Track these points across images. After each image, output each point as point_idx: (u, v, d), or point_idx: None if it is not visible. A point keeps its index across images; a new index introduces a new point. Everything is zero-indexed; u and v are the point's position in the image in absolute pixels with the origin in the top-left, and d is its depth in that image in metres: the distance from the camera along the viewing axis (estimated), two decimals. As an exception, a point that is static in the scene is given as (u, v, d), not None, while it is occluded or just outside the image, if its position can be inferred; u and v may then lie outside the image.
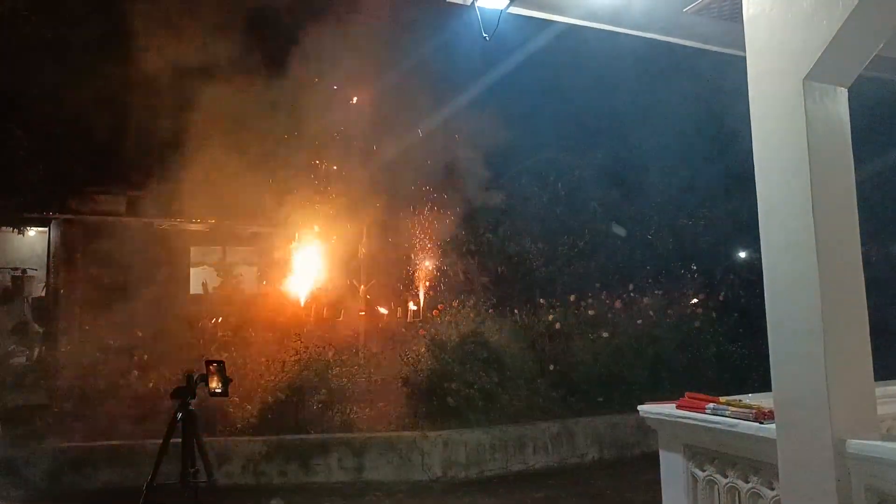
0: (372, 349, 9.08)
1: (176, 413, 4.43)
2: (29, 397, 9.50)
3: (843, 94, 2.67)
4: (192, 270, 14.84)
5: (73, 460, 7.77)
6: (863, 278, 2.61)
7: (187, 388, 4.45)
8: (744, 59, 2.86)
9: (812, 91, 2.59)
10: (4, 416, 8.85)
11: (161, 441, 4.48)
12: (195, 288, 13.39)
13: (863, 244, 2.66)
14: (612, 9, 3.48)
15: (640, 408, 3.78)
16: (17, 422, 8.72)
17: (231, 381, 4.55)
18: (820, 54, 2.54)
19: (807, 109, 2.57)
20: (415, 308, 11.92)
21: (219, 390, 4.48)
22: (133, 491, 4.82)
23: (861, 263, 2.62)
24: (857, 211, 2.63)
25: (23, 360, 11.76)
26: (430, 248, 12.56)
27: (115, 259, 11.88)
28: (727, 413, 3.19)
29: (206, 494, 4.54)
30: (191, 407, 4.45)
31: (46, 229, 14.67)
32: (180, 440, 4.44)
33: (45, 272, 14.70)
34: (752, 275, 11.81)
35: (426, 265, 12.53)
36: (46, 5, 11.71)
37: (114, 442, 7.88)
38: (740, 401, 3.30)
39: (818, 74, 2.58)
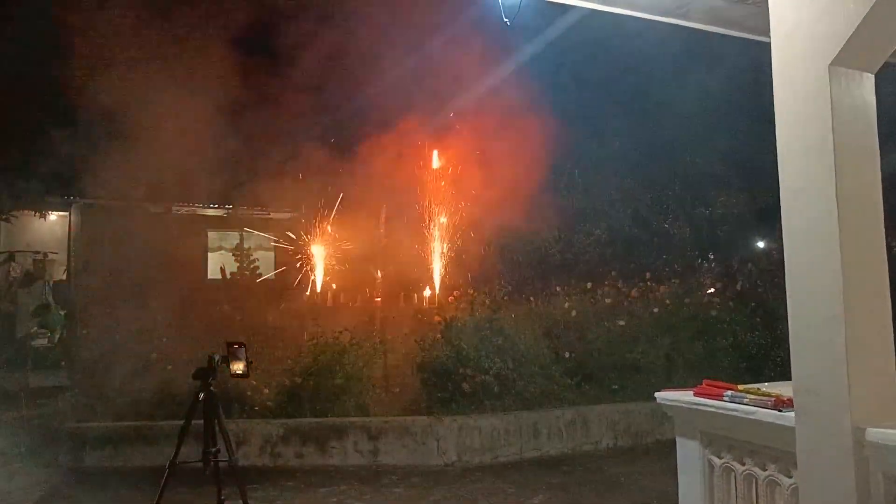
0: (388, 334, 9.12)
1: (198, 394, 4.50)
2: (51, 378, 9.68)
3: (869, 79, 2.63)
4: (209, 255, 14.99)
5: (95, 440, 7.92)
6: (886, 266, 2.59)
7: (209, 370, 4.51)
8: (769, 44, 2.83)
9: (838, 76, 2.56)
10: (27, 396, 9.02)
11: (183, 421, 4.55)
12: (213, 272, 13.51)
13: (887, 234, 2.63)
14: (634, -7, 3.45)
15: (657, 394, 3.78)
16: (39, 402, 8.90)
17: (252, 362, 4.61)
18: (847, 39, 2.50)
19: (832, 95, 2.54)
20: (430, 294, 11.95)
21: (240, 372, 4.54)
22: (155, 470, 4.92)
23: (885, 251, 2.60)
24: (881, 198, 2.60)
25: (44, 341, 11.96)
26: (447, 235, 12.58)
27: (135, 243, 12.01)
28: (745, 400, 3.18)
29: (228, 474, 4.62)
30: (212, 388, 4.51)
31: (67, 213, 14.87)
32: (202, 421, 4.50)
33: (65, 255, 14.91)
34: (770, 264, 11.73)
35: (443, 251, 12.55)
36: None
37: (135, 422, 8.02)
38: (759, 389, 3.29)
39: (844, 60, 2.54)
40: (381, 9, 12.99)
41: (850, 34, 2.48)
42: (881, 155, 2.63)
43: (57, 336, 11.82)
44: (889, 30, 2.54)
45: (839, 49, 2.52)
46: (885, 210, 2.61)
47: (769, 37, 2.83)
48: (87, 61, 11.36)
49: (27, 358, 10.09)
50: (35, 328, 12.13)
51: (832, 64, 2.55)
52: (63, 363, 9.96)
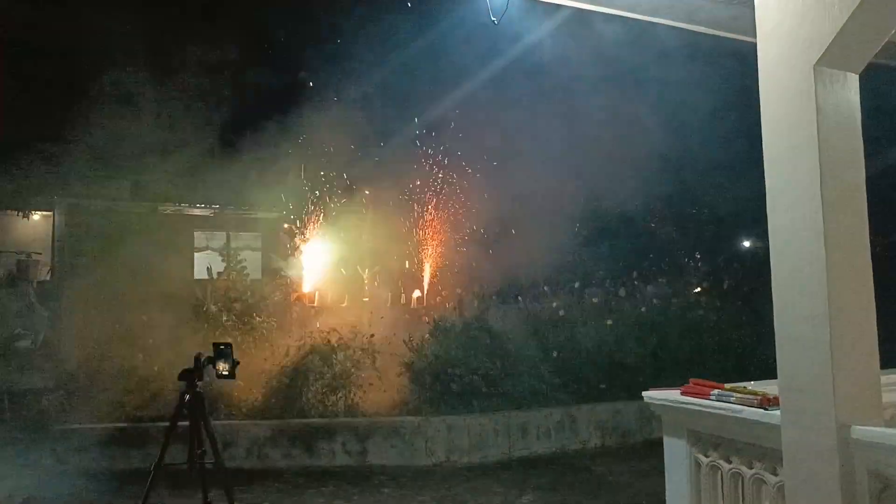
0: (376, 334, 9.10)
1: (183, 395, 4.45)
2: (35, 380, 9.57)
3: (853, 80, 2.65)
4: (196, 255, 14.88)
5: (80, 442, 7.83)
6: (870, 265, 2.61)
7: (195, 371, 4.47)
8: (754, 44, 2.85)
9: (822, 77, 2.57)
10: (11, 398, 8.92)
11: (168, 423, 4.51)
12: (199, 273, 13.42)
13: (871, 233, 2.65)
14: (621, -7, 3.46)
15: (644, 394, 3.79)
16: (23, 404, 8.80)
17: (238, 363, 4.57)
18: (831, 40, 2.52)
19: (817, 95, 2.55)
20: (419, 294, 11.94)
21: (226, 373, 4.50)
22: (140, 472, 4.87)
23: (869, 250, 2.61)
24: (865, 197, 2.62)
25: (28, 343, 11.84)
26: (435, 236, 12.58)
27: (120, 243, 11.91)
28: (732, 399, 3.19)
29: (214, 476, 4.58)
30: (198, 389, 4.47)
31: (51, 213, 14.71)
32: (188, 422, 4.46)
33: (49, 256, 14.76)
34: (756, 263, 11.82)
35: (431, 251, 12.55)
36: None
37: (120, 424, 7.94)
38: (745, 387, 3.31)
39: (829, 60, 2.56)
40: (380, 13, 13.01)
41: (834, 35, 2.50)
42: (865, 155, 2.65)
43: (41, 337, 11.70)
44: (873, 30, 2.56)
45: (823, 49, 2.53)
46: (869, 209, 2.63)
47: (754, 37, 2.84)
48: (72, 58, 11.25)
49: (11, 359, 9.97)
50: (19, 329, 12.01)
51: (817, 64, 2.56)
52: (47, 364, 9.84)
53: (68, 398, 8.53)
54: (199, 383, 4.49)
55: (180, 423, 4.49)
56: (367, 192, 12.63)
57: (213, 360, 4.53)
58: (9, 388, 9.30)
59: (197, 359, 4.51)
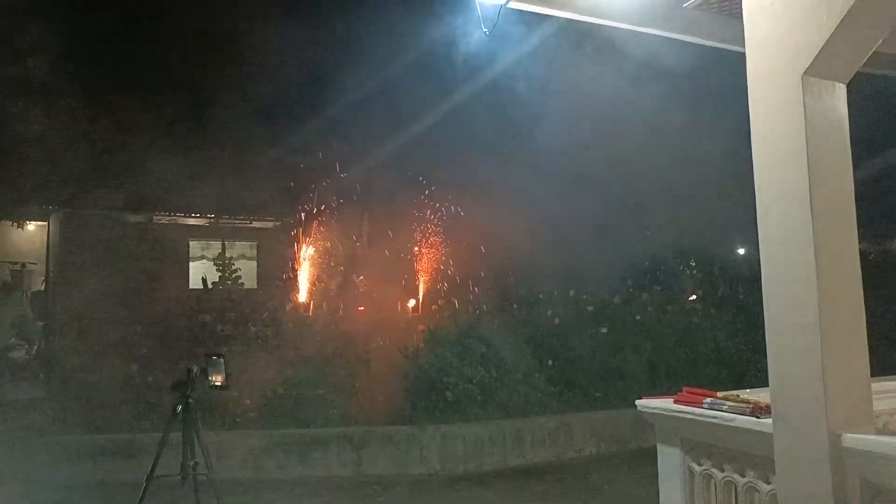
0: (371, 344, 9.09)
1: (176, 406, 4.44)
2: (28, 390, 9.53)
3: (841, 89, 2.67)
4: (191, 265, 14.84)
5: (73, 453, 7.79)
6: (860, 273, 2.62)
7: (187, 382, 4.46)
8: (743, 54, 2.87)
9: (811, 87, 2.59)
10: (4, 409, 8.87)
11: (161, 434, 4.49)
12: (195, 282, 13.39)
13: (861, 241, 2.66)
14: (612, 4, 3.48)
15: (637, 402, 3.79)
16: (16, 415, 8.75)
17: (231, 374, 4.57)
18: (819, 50, 2.54)
19: (805, 105, 2.57)
20: (414, 303, 11.93)
21: (219, 384, 4.49)
22: (133, 484, 4.84)
23: (858, 258, 2.62)
24: (854, 206, 2.63)
25: (22, 353, 11.79)
26: (429, 244, 12.58)
27: (115, 253, 11.89)
28: (724, 408, 3.19)
29: (206, 487, 4.56)
30: (191, 400, 4.46)
31: (46, 223, 14.67)
32: (180, 433, 4.45)
33: (44, 266, 14.72)
34: (750, 271, 11.84)
35: (426, 260, 12.54)
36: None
37: (113, 435, 7.90)
38: (738, 395, 3.31)
39: (817, 70, 2.58)
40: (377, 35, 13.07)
41: (822, 44, 2.52)
42: (854, 163, 2.66)
43: (35, 347, 11.66)
44: (861, 40, 2.58)
45: (812, 59, 2.55)
46: (857, 217, 2.64)
47: (743, 47, 2.86)
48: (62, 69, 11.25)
49: (4, 370, 9.93)
50: (13, 339, 11.96)
51: (805, 74, 2.58)
52: (41, 375, 9.81)
53: (62, 409, 8.49)
54: (190, 394, 4.48)
55: (173, 434, 4.48)
56: (363, 202, 12.64)
57: (206, 371, 4.52)
58: (2, 399, 9.25)
59: (189, 370, 4.50)
